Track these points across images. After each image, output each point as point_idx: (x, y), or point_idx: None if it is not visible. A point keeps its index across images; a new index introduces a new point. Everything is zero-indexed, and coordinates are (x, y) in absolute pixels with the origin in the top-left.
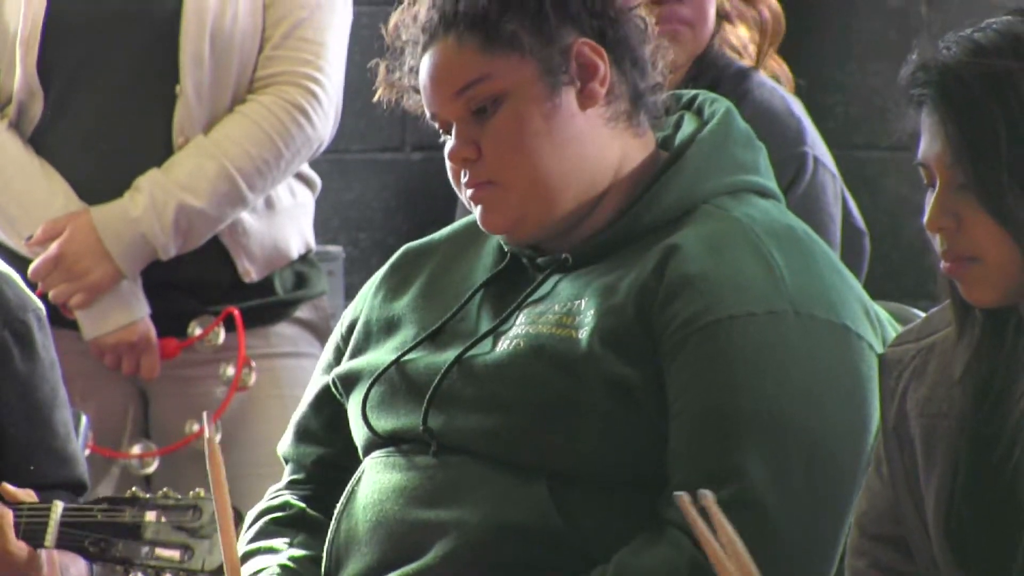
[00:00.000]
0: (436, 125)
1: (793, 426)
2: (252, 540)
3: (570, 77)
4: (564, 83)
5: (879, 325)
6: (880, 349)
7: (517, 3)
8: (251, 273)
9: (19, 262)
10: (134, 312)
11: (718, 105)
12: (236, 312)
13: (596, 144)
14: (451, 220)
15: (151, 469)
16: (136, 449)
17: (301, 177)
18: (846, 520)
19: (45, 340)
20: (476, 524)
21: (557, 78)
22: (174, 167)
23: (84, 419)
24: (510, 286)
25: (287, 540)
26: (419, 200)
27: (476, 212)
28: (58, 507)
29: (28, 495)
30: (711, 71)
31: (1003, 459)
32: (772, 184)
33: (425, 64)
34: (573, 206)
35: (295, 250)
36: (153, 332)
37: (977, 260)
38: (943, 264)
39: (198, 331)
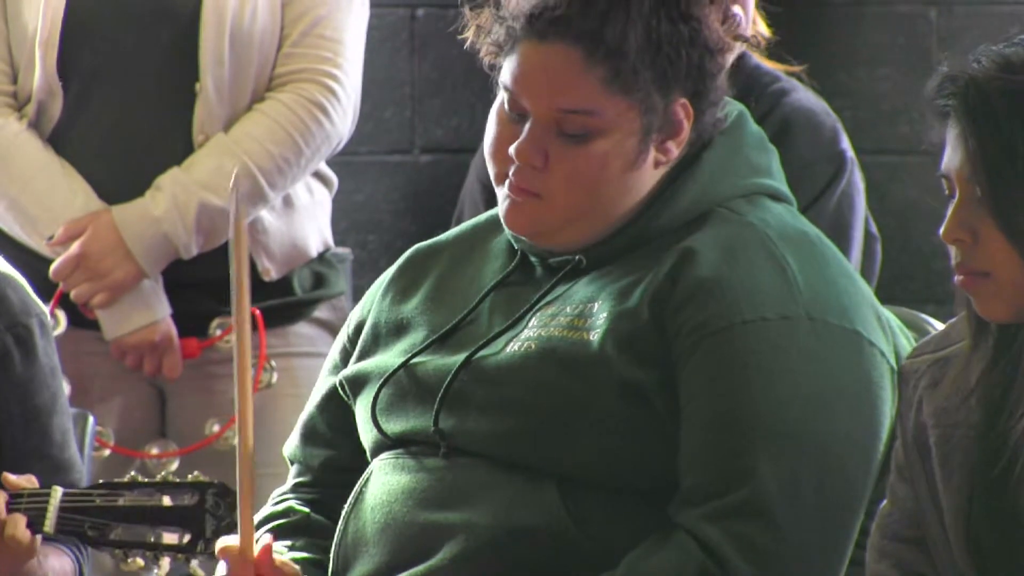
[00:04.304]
0: (506, 95)
1: (804, 431)
2: None
3: (659, 133)
4: (653, 141)
5: (890, 331)
6: (891, 356)
7: (654, 50)
8: (271, 271)
9: (40, 262)
10: (155, 312)
11: (731, 108)
12: (258, 313)
13: (646, 186)
14: (459, 222)
15: (171, 469)
16: (155, 449)
17: (318, 175)
18: (855, 527)
19: (47, 346)
20: (486, 526)
21: (650, 135)
22: (195, 166)
23: (91, 419)
24: (521, 288)
25: (288, 545)
26: (427, 202)
27: (502, 205)
28: (57, 492)
29: (29, 480)
30: (750, 80)
31: (1005, 471)
32: (785, 188)
33: (538, 52)
34: (603, 228)
35: (314, 248)
36: (175, 332)
37: (989, 275)
38: (956, 277)
39: (219, 331)
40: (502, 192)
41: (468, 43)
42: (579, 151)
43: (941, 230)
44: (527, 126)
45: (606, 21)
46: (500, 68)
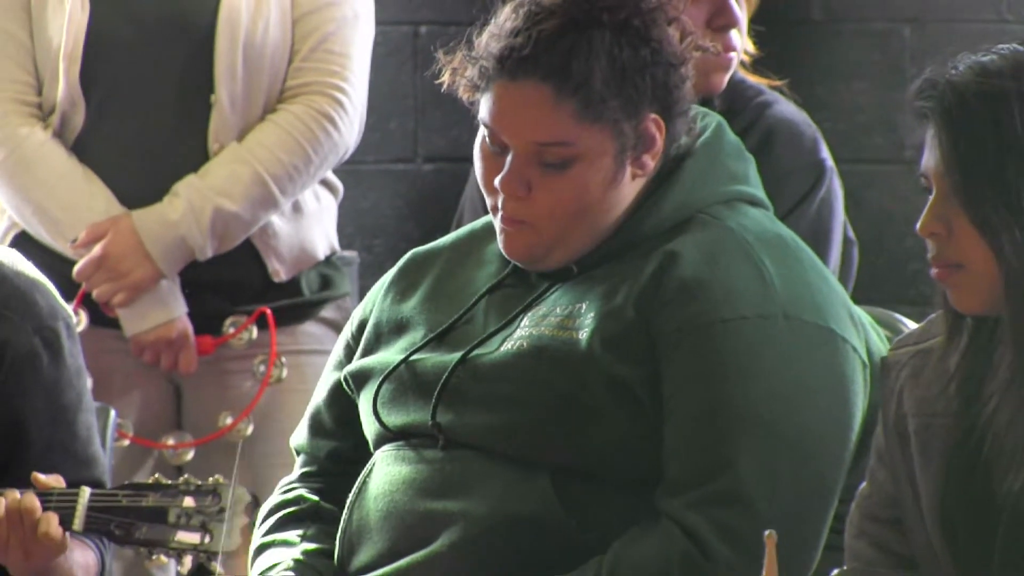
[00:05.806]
0: (486, 131)
1: (781, 423)
2: (267, 533)
3: (634, 151)
4: (628, 158)
5: (863, 328)
6: (863, 351)
7: (619, 78)
8: (280, 273)
9: (63, 264)
10: (172, 310)
11: (710, 119)
12: (268, 312)
13: (628, 198)
14: (459, 226)
15: (186, 459)
16: (171, 440)
17: (325, 183)
18: (829, 512)
19: (73, 347)
20: (482, 515)
21: (626, 154)
22: (210, 173)
23: (112, 413)
24: (515, 290)
25: (300, 533)
26: (429, 208)
27: (499, 236)
28: (85, 492)
29: (56, 480)
30: (734, 92)
31: (975, 455)
32: (761, 193)
33: (510, 92)
34: (591, 242)
35: (321, 251)
36: (190, 329)
37: (962, 267)
38: (932, 270)
39: (232, 329)
40: (497, 224)
41: (445, 85)
42: (560, 178)
43: (918, 225)
44: (509, 159)
45: (571, 57)
46: (479, 103)
